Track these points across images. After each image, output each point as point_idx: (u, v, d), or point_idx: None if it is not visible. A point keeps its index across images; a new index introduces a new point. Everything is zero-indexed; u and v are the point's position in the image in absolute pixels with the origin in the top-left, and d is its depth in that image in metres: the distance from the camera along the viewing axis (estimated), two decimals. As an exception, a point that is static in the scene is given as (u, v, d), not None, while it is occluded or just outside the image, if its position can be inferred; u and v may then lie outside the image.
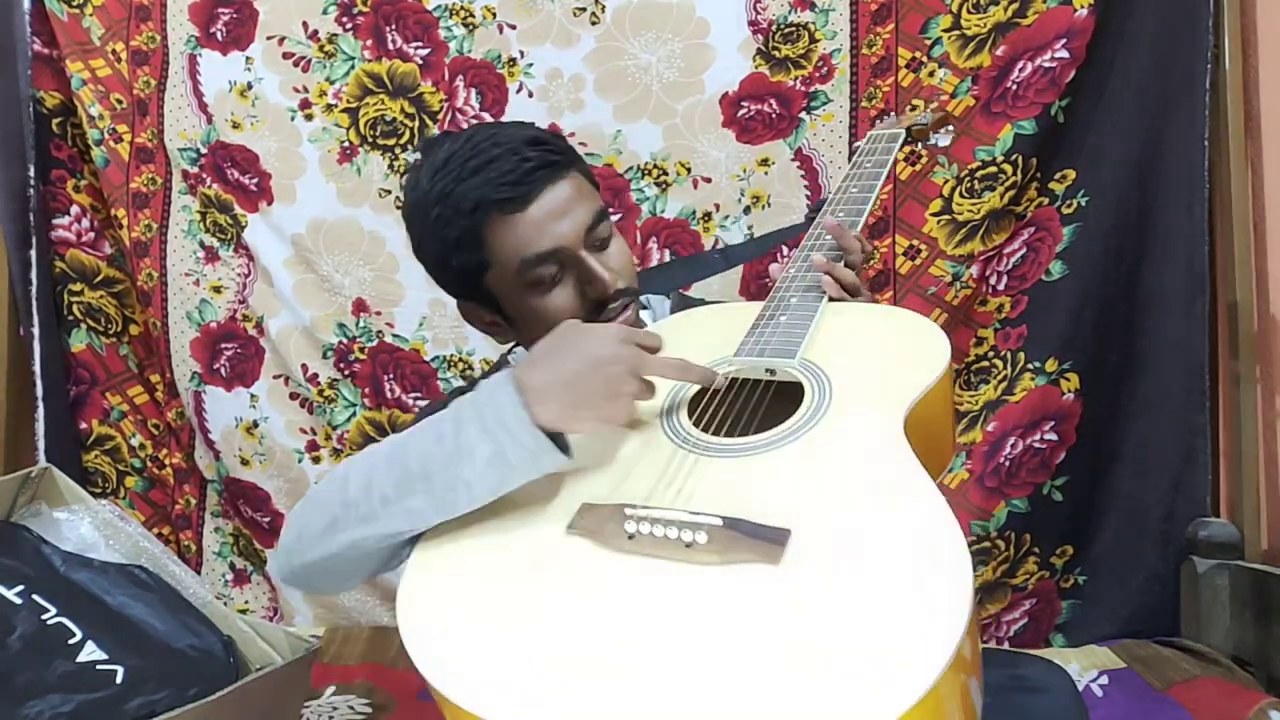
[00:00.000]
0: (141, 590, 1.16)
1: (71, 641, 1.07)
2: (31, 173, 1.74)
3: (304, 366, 1.76)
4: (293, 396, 1.78)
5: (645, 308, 1.19)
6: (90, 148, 1.77)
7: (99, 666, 1.05)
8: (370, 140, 1.73)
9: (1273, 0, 1.53)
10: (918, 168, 1.64)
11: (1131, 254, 1.61)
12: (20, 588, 1.11)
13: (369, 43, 1.72)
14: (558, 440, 0.78)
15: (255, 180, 1.75)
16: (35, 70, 1.75)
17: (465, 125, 1.69)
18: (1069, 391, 1.62)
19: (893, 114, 1.62)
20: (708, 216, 1.69)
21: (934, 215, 1.63)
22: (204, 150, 1.76)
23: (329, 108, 1.74)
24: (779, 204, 1.67)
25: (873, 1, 1.63)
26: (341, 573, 0.86)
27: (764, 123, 1.66)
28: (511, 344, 1.17)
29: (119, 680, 1.04)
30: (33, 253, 1.74)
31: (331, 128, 1.74)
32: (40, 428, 1.74)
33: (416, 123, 1.73)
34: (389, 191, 1.73)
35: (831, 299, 0.97)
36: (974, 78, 1.61)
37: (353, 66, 1.73)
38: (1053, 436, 1.62)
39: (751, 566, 0.67)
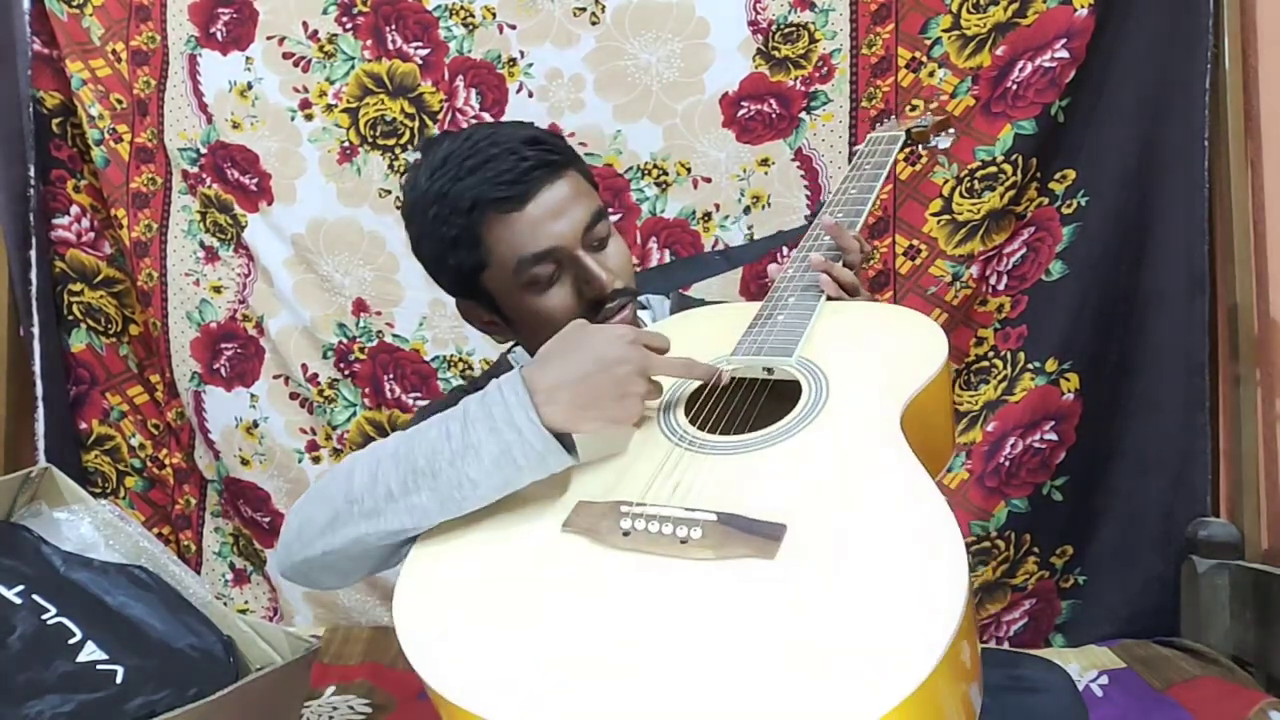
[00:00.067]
0: (141, 590, 1.16)
1: (71, 641, 1.07)
2: (31, 173, 1.74)
3: (304, 366, 1.76)
4: (293, 396, 1.78)
5: (645, 308, 1.19)
6: (90, 148, 1.77)
7: (99, 666, 1.04)
8: (370, 140, 1.74)
9: (1273, 0, 1.53)
10: (918, 168, 1.64)
11: (1131, 254, 1.61)
12: (20, 588, 1.11)
13: (369, 43, 1.72)
14: (564, 441, 0.78)
15: (255, 180, 1.75)
16: (35, 70, 1.75)
17: (465, 125, 1.69)
18: (1069, 391, 1.62)
19: (893, 117, 1.62)
20: (708, 216, 1.69)
21: (934, 215, 1.63)
22: (204, 150, 1.76)
23: (329, 108, 1.74)
24: (779, 204, 1.67)
25: (873, 1, 1.63)
26: (342, 569, 0.87)
27: (764, 123, 1.66)
28: (511, 344, 1.17)
29: (119, 680, 1.03)
30: (33, 253, 1.74)
31: (331, 128, 1.74)
32: (40, 428, 1.74)
33: (416, 123, 1.73)
34: (389, 191, 1.73)
35: (830, 298, 0.97)
36: (974, 78, 1.61)
37: (353, 66, 1.73)
38: (1053, 436, 1.62)
39: (746, 562, 0.67)
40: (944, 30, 1.62)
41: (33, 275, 1.74)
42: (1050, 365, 1.62)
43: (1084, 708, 0.97)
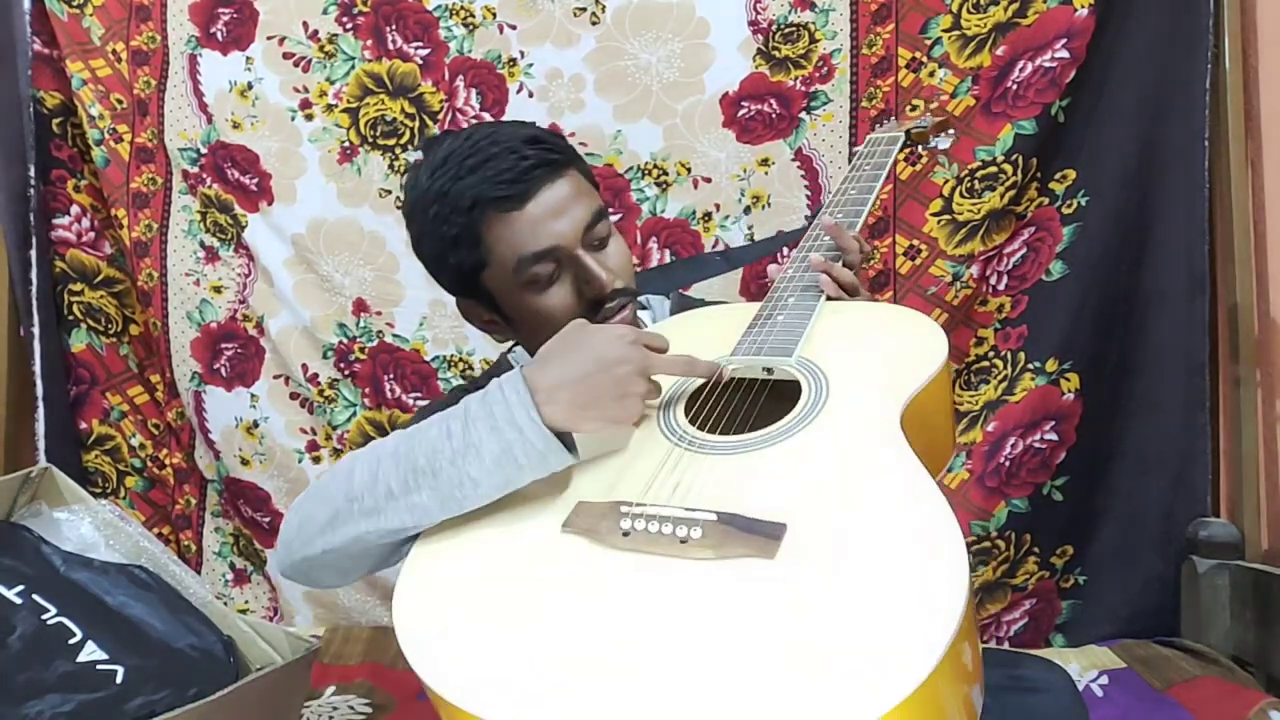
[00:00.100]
0: (141, 590, 1.16)
1: (71, 641, 1.07)
2: (31, 173, 1.74)
3: (304, 366, 1.76)
4: (293, 396, 1.78)
5: (645, 308, 1.19)
6: (90, 148, 1.77)
7: (99, 666, 1.04)
8: (370, 140, 1.74)
9: (1273, 0, 1.53)
10: (918, 168, 1.64)
11: (1131, 254, 1.61)
12: (20, 588, 1.11)
13: (369, 43, 1.72)
14: (565, 440, 0.78)
15: (255, 180, 1.75)
16: (35, 70, 1.75)
17: (465, 125, 1.69)
18: (1069, 391, 1.62)
19: (893, 117, 1.62)
20: (708, 216, 1.69)
21: (934, 215, 1.63)
22: (204, 150, 1.76)
23: (329, 108, 1.74)
24: (779, 204, 1.67)
25: (873, 1, 1.63)
26: (342, 567, 0.87)
27: (764, 123, 1.66)
28: (511, 343, 1.17)
29: (119, 680, 1.03)
30: (33, 253, 1.74)
31: (332, 128, 1.74)
32: (40, 428, 1.74)
33: (416, 123, 1.73)
34: (389, 191, 1.73)
35: (829, 298, 0.97)
36: (974, 78, 1.61)
37: (353, 66, 1.73)
38: (1053, 436, 1.62)
39: (746, 562, 0.67)
40: (944, 30, 1.62)
41: (33, 275, 1.74)
42: (1050, 365, 1.62)
43: (1084, 708, 0.97)
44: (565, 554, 0.73)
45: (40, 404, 1.74)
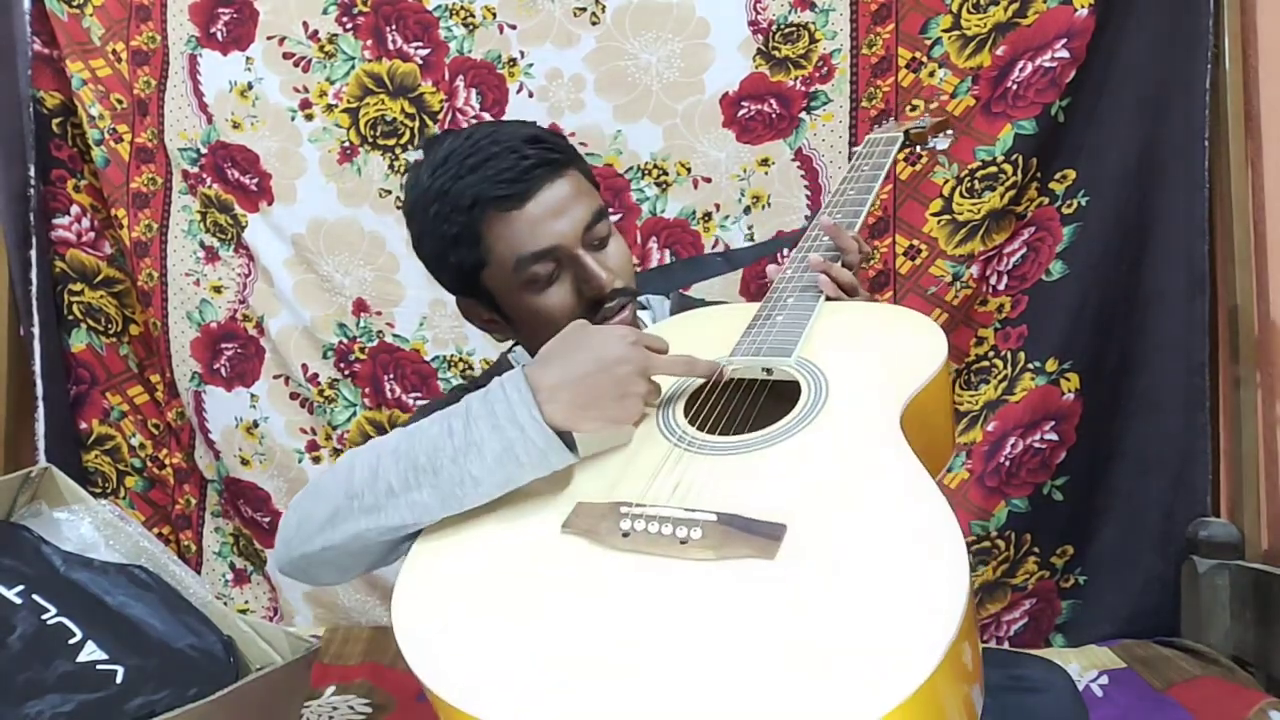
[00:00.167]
0: (141, 590, 1.16)
1: (71, 641, 1.07)
2: (31, 173, 1.74)
3: (304, 366, 1.76)
4: (293, 396, 1.78)
5: (645, 308, 1.20)
6: (90, 148, 1.77)
7: (99, 666, 1.04)
8: (370, 140, 1.73)
9: (1273, 0, 1.53)
10: (918, 168, 1.64)
11: (1131, 254, 1.61)
12: (20, 588, 1.11)
13: (369, 43, 1.72)
14: (565, 439, 0.78)
15: (255, 180, 1.75)
16: (35, 70, 1.75)
17: (465, 125, 1.69)
18: (1069, 391, 1.62)
19: (892, 118, 1.62)
20: (708, 216, 1.69)
21: (934, 215, 1.63)
22: (204, 150, 1.76)
23: (329, 108, 1.74)
24: (779, 204, 1.67)
25: (873, 1, 1.63)
26: (341, 564, 0.87)
27: (764, 123, 1.66)
28: (512, 343, 1.17)
29: (119, 680, 1.03)
30: (33, 253, 1.74)
31: (332, 128, 1.74)
32: (40, 428, 1.74)
33: (416, 123, 1.73)
34: (389, 192, 1.73)
35: (828, 298, 0.97)
36: (974, 78, 1.61)
37: (353, 66, 1.73)
38: (1053, 436, 1.62)
39: (747, 562, 0.67)
40: (944, 30, 1.62)
41: (33, 275, 1.74)
42: (1050, 365, 1.62)
43: (1084, 708, 0.97)
44: (565, 554, 0.73)
45: (40, 404, 1.74)
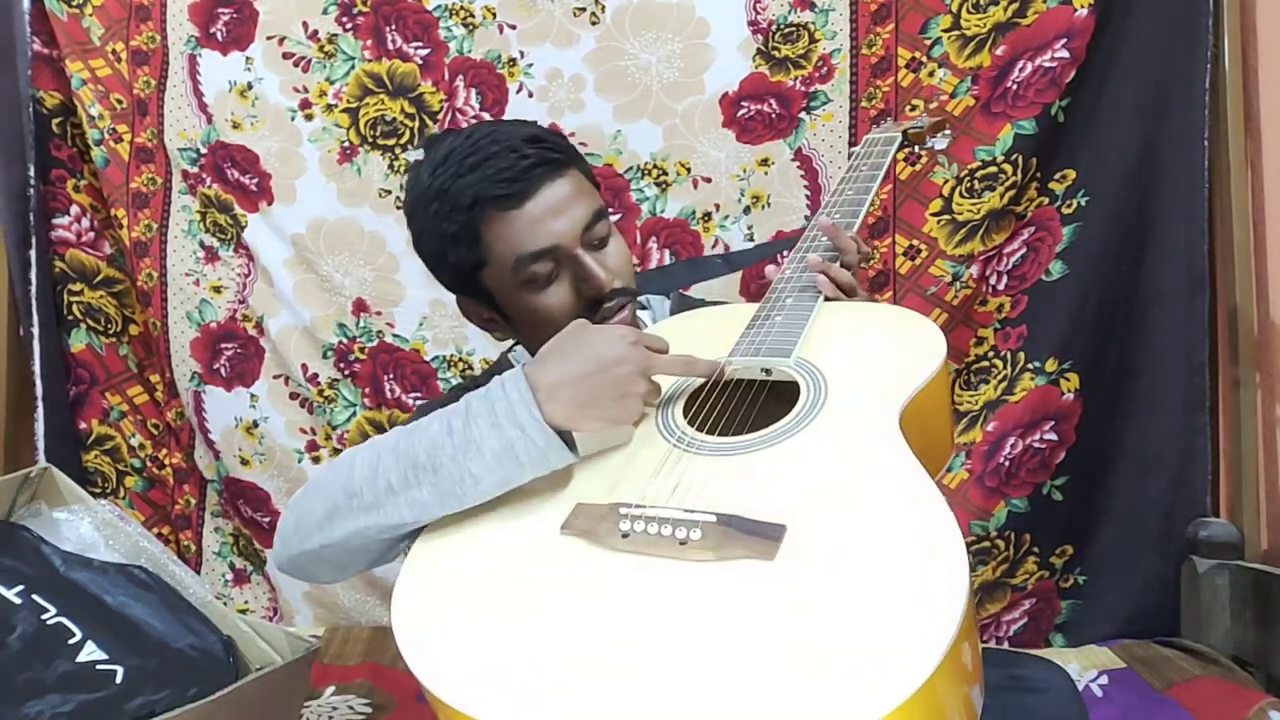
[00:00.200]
0: (141, 590, 1.16)
1: (71, 641, 1.07)
2: (31, 173, 1.74)
3: (304, 366, 1.76)
4: (293, 396, 1.78)
5: (645, 308, 1.20)
6: (90, 148, 1.77)
7: (99, 666, 1.04)
8: (370, 140, 1.73)
9: (1273, 0, 1.53)
10: (918, 168, 1.64)
11: (1131, 254, 1.61)
12: (20, 588, 1.11)
13: (369, 43, 1.72)
14: (565, 438, 0.78)
15: (255, 180, 1.75)
16: (35, 70, 1.75)
17: (465, 125, 1.69)
18: (1069, 391, 1.62)
19: (890, 118, 1.62)
20: (708, 216, 1.69)
21: (934, 215, 1.63)
22: (204, 150, 1.76)
23: (329, 108, 1.74)
24: (779, 204, 1.67)
25: (873, 1, 1.63)
26: (339, 562, 0.87)
27: (764, 123, 1.66)
28: (512, 343, 1.17)
29: (119, 680, 1.03)
30: (33, 253, 1.74)
31: (331, 128, 1.74)
32: (40, 428, 1.74)
33: (416, 123, 1.73)
34: (389, 192, 1.73)
35: (827, 299, 0.97)
36: (974, 78, 1.61)
37: (353, 66, 1.73)
38: (1053, 436, 1.62)
39: (746, 563, 0.67)
40: (944, 30, 1.62)
41: (33, 275, 1.74)
42: (1050, 365, 1.62)
43: (1084, 708, 0.97)
44: (564, 555, 0.73)
45: (40, 404, 1.74)
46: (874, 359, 0.89)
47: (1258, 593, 1.42)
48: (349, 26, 1.73)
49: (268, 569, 1.81)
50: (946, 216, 1.63)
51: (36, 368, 1.74)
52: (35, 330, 1.74)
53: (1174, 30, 1.56)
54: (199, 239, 1.78)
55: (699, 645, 0.63)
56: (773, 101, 1.65)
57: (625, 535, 0.72)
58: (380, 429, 1.75)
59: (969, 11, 1.60)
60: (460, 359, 1.74)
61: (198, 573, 1.81)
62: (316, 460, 1.77)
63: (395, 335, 1.75)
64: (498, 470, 0.78)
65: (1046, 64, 1.57)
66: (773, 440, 0.79)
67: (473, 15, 1.70)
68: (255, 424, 1.78)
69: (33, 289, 1.74)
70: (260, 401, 1.78)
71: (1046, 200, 1.63)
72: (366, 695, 1.43)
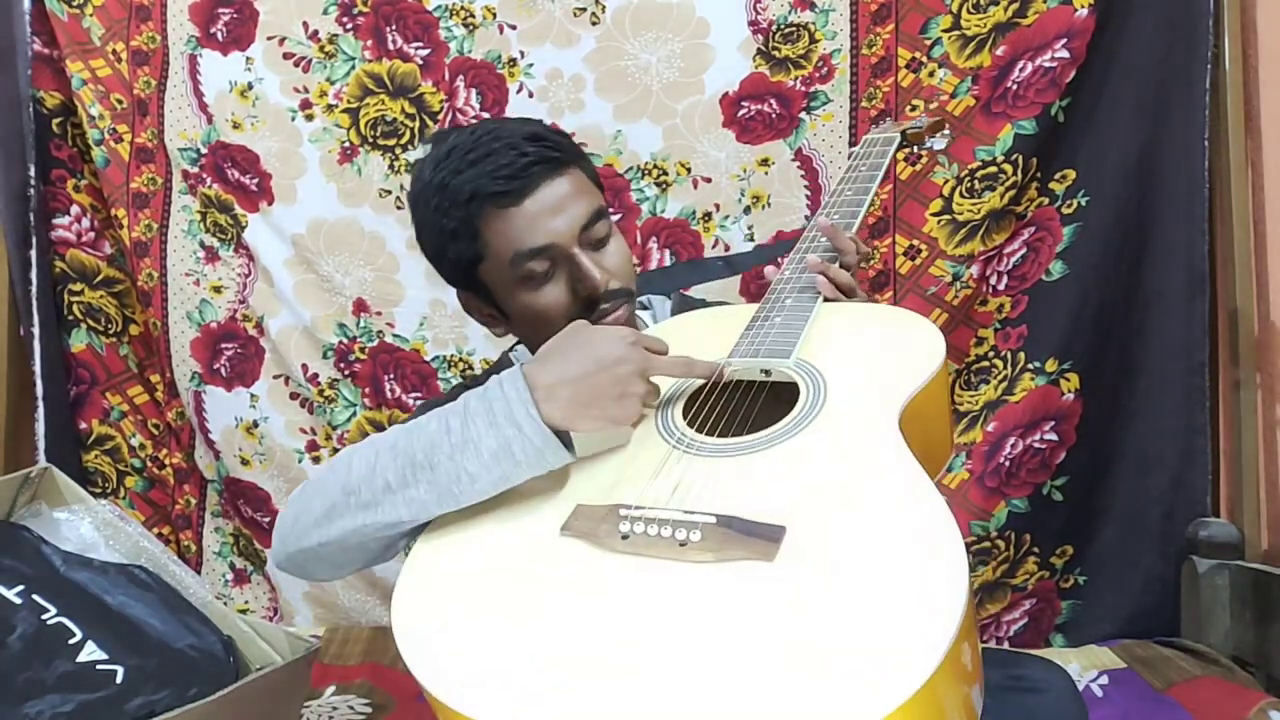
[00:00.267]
0: (141, 590, 1.16)
1: (71, 641, 1.07)
2: (31, 173, 1.74)
3: (304, 366, 1.76)
4: (293, 396, 1.78)
5: (646, 308, 1.20)
6: (90, 148, 1.77)
7: (99, 666, 1.04)
8: (371, 140, 1.73)
9: (1273, 0, 1.53)
10: (918, 168, 1.64)
11: (1131, 254, 1.61)
12: (20, 588, 1.11)
13: (369, 43, 1.72)
14: (563, 438, 0.78)
15: (255, 180, 1.75)
16: (35, 70, 1.75)
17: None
18: (1069, 391, 1.62)
19: (889, 119, 1.62)
20: (708, 216, 1.69)
21: (934, 215, 1.63)
22: (204, 150, 1.76)
23: (329, 108, 1.74)
24: (779, 204, 1.67)
25: (873, 2, 1.63)
26: (336, 560, 0.87)
27: (764, 123, 1.66)
28: (514, 342, 1.17)
29: (119, 680, 1.04)
30: (33, 253, 1.74)
31: (332, 128, 1.74)
32: (40, 428, 1.74)
33: (417, 123, 1.73)
34: (389, 192, 1.73)
35: (826, 299, 0.97)
36: (974, 78, 1.61)
37: (353, 67, 1.73)
38: (1053, 436, 1.62)
39: (746, 564, 0.67)
40: (944, 30, 1.62)
41: (33, 275, 1.74)
42: (1050, 365, 1.62)
43: (1084, 708, 0.97)
44: (564, 556, 0.73)
45: (40, 404, 1.74)
46: (873, 360, 0.89)
47: (1258, 593, 1.42)
48: (349, 27, 1.73)
49: (268, 569, 1.81)
50: (946, 216, 1.63)
51: (37, 368, 1.74)
52: (35, 330, 1.74)
53: (1174, 30, 1.56)
54: (199, 239, 1.79)
55: (699, 646, 0.63)
56: (773, 101, 1.65)
57: (625, 536, 0.72)
58: (380, 429, 1.73)
59: (969, 11, 1.60)
60: (460, 359, 1.74)
61: (198, 573, 1.81)
62: (316, 460, 1.78)
63: (395, 335, 1.75)
64: (495, 469, 0.78)
65: (1046, 64, 1.57)
66: (772, 441, 0.79)
67: (473, 15, 1.70)
68: (255, 424, 1.78)
69: (33, 289, 1.74)
70: (260, 401, 1.78)
71: (1046, 200, 1.63)
72: (366, 695, 1.43)
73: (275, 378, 1.78)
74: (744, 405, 0.87)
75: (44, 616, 1.08)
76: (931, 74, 1.62)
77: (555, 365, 0.81)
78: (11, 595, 1.10)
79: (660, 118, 1.67)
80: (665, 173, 1.68)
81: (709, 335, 0.95)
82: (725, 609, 0.65)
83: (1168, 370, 1.59)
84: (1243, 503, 1.52)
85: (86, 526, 1.23)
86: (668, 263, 1.69)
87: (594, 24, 1.67)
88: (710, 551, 0.69)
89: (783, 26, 1.64)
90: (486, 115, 1.70)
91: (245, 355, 1.79)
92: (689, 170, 1.68)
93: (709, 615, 0.65)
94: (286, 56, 1.74)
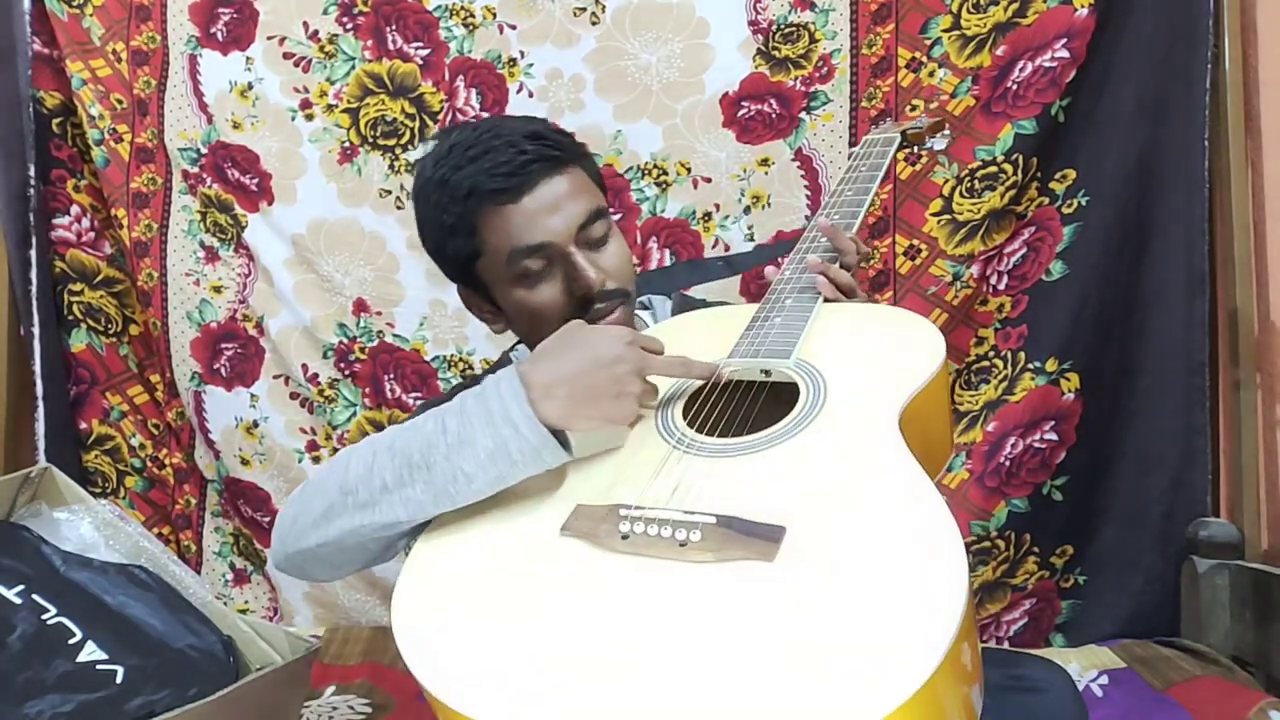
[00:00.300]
0: (141, 590, 1.16)
1: (71, 641, 1.07)
2: (31, 173, 1.74)
3: (304, 366, 1.76)
4: (293, 396, 1.78)
5: (646, 308, 1.20)
6: (90, 148, 1.77)
7: (99, 666, 1.05)
8: (371, 140, 1.73)
9: (1273, 0, 1.53)
10: (918, 168, 1.64)
11: (1131, 254, 1.61)
12: (20, 588, 1.11)
13: (369, 43, 1.72)
14: (560, 437, 0.78)
15: (255, 180, 1.75)
16: (35, 70, 1.75)
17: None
18: (1069, 391, 1.62)
19: (889, 119, 1.62)
20: (708, 216, 1.69)
21: (934, 215, 1.63)
22: (204, 150, 1.76)
23: (329, 108, 1.74)
24: (779, 204, 1.67)
25: (873, 1, 1.63)
26: (335, 561, 0.87)
27: (764, 123, 1.66)
28: (515, 341, 1.17)
29: (119, 680, 1.04)
30: (33, 252, 1.74)
31: (332, 128, 1.74)
32: (40, 428, 1.74)
33: (417, 123, 1.73)
34: (389, 192, 1.73)
35: (826, 299, 0.97)
36: (974, 78, 1.61)
37: (353, 67, 1.73)
38: (1053, 436, 1.62)
39: (746, 564, 0.67)
40: (944, 30, 1.62)
41: (33, 275, 1.74)
42: (1050, 365, 1.62)
43: (1084, 708, 0.97)
44: (564, 556, 0.73)
45: (40, 404, 1.74)
46: (873, 360, 0.89)
47: (1258, 593, 1.42)
48: (349, 27, 1.73)
49: (268, 569, 1.81)
50: (947, 216, 1.63)
51: (37, 368, 1.74)
52: (35, 330, 1.74)
53: (1174, 30, 1.56)
54: (199, 239, 1.79)
55: (699, 646, 0.63)
56: (773, 101, 1.65)
57: (625, 536, 0.72)
58: (380, 429, 1.73)
59: (969, 11, 1.60)
60: (460, 359, 1.74)
61: (198, 573, 1.81)
62: (316, 460, 1.78)
63: (395, 335, 1.75)
64: (491, 469, 0.78)
65: (1046, 64, 1.57)
66: (772, 441, 0.79)
67: (473, 15, 1.70)
68: (255, 424, 1.78)
69: (33, 289, 1.74)
70: (260, 401, 1.78)
71: (1047, 200, 1.63)
72: (366, 695, 1.43)
73: (275, 378, 1.78)
74: (744, 405, 0.87)
75: (44, 616, 1.08)
76: (931, 74, 1.62)
77: (551, 364, 0.81)
78: (11, 595, 1.10)
79: (660, 118, 1.67)
80: (665, 173, 1.68)
81: (709, 335, 0.95)
82: (725, 609, 0.65)
83: (1168, 370, 1.59)
84: (1243, 503, 1.52)
85: (86, 526, 1.23)
86: (668, 263, 1.69)
87: (594, 24, 1.67)
88: (710, 551, 0.69)
89: (783, 26, 1.64)
90: (486, 115, 1.70)
91: (245, 355, 1.79)
92: (689, 170, 1.68)
93: (709, 615, 0.65)
94: (286, 56, 1.74)
